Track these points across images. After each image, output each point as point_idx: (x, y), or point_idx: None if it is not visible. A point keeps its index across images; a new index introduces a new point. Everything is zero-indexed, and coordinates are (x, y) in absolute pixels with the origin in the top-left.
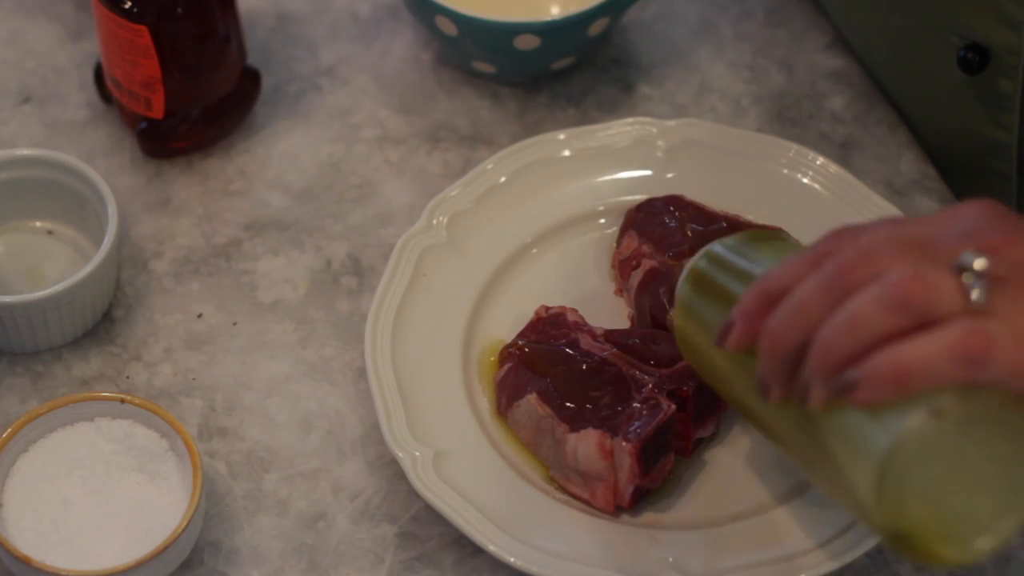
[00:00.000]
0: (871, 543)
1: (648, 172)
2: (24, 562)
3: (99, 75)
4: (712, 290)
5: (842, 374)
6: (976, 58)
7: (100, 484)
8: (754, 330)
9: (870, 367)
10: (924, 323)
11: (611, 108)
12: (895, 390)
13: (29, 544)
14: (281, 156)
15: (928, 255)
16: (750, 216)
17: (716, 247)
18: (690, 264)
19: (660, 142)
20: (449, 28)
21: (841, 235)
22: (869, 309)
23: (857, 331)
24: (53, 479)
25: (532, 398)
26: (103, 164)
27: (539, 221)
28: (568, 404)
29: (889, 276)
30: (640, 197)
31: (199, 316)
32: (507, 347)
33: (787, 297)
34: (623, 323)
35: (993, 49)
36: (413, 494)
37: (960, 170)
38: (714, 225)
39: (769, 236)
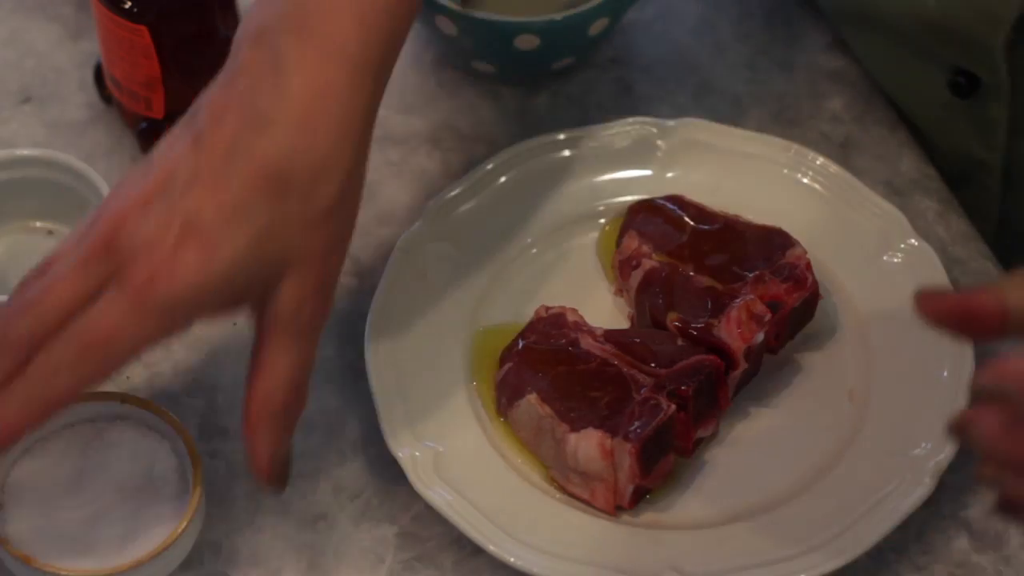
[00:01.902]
0: (871, 543)
1: (648, 172)
2: (24, 562)
3: (99, 75)
4: None
5: None
6: (966, 83)
7: (100, 485)
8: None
9: None
10: None
11: (611, 108)
12: None
13: (29, 544)
14: None
15: None
16: (750, 216)
17: None
18: None
19: (660, 142)
20: (449, 28)
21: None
22: None
23: None
24: (53, 479)
25: (532, 398)
26: (103, 164)
27: (539, 221)
28: (568, 404)
29: None
30: (640, 197)
31: None
32: (507, 347)
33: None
34: (623, 323)
35: (983, 78)
36: (413, 494)
37: (949, 179)
38: (714, 225)
39: None
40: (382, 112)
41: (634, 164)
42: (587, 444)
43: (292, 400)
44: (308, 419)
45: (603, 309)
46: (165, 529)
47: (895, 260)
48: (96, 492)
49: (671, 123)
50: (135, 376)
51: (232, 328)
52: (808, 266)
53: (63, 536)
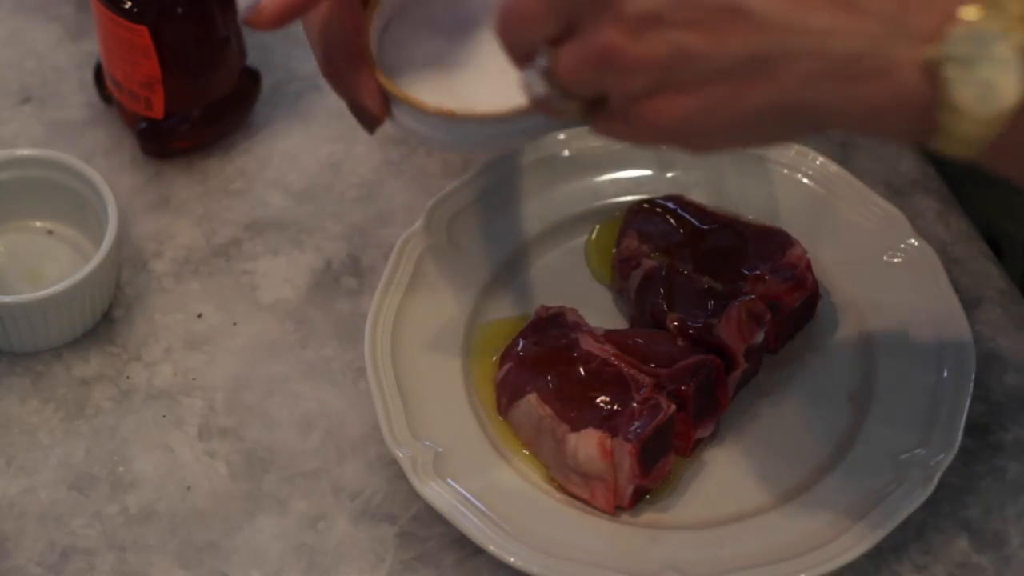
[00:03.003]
0: (871, 543)
1: (648, 172)
2: (402, 100)
3: (99, 75)
4: None
5: None
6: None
7: (473, 35)
8: None
9: None
10: None
11: None
12: None
13: (406, 85)
14: (281, 156)
15: None
16: (750, 216)
17: None
18: None
19: None
20: None
21: None
22: None
23: None
24: (430, 32)
25: (532, 398)
26: (103, 164)
27: (539, 221)
28: (568, 404)
29: None
30: (640, 197)
31: (199, 316)
32: (507, 347)
33: None
34: (623, 323)
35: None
36: (413, 494)
37: (950, 179)
38: (714, 225)
39: None
40: None
41: (634, 164)
42: (587, 444)
43: None
44: (308, 419)
45: (603, 309)
46: None
47: (895, 260)
48: (471, 42)
49: None
50: (135, 376)
51: (232, 328)
52: (808, 266)
53: (439, 84)
